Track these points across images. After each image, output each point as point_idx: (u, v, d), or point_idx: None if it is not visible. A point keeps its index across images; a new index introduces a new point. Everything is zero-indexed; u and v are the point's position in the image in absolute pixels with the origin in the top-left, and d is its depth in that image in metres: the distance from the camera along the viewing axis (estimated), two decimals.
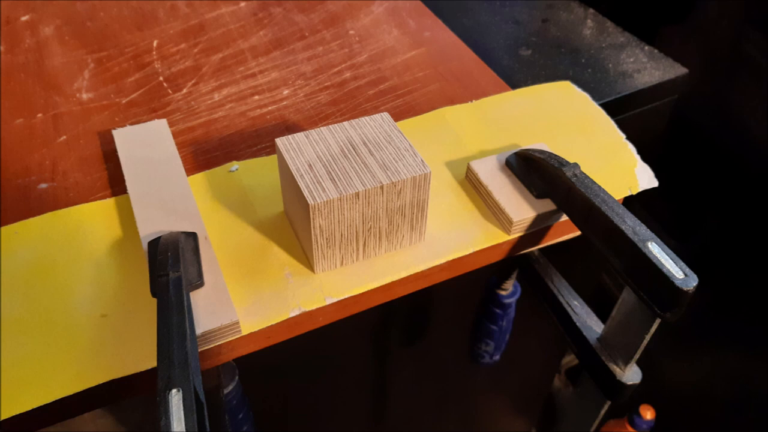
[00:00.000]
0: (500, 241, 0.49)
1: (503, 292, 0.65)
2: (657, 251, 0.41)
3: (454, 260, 0.47)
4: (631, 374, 0.48)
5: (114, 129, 0.55)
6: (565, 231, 0.53)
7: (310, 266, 0.45)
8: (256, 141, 0.57)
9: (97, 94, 0.62)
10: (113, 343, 0.41)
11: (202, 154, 0.56)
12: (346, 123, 0.47)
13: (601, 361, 0.49)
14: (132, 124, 0.59)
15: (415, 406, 0.87)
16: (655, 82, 0.71)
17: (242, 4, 0.75)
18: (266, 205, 0.50)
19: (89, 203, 0.50)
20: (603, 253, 0.44)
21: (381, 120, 0.47)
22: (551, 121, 0.59)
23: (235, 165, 0.53)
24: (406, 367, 0.80)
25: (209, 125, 0.59)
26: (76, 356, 0.40)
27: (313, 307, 0.43)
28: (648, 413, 0.99)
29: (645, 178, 0.54)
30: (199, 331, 0.40)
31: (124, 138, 0.54)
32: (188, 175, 0.52)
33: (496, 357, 0.71)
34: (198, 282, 0.42)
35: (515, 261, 0.60)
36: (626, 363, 0.48)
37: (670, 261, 0.40)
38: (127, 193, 0.50)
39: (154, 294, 0.40)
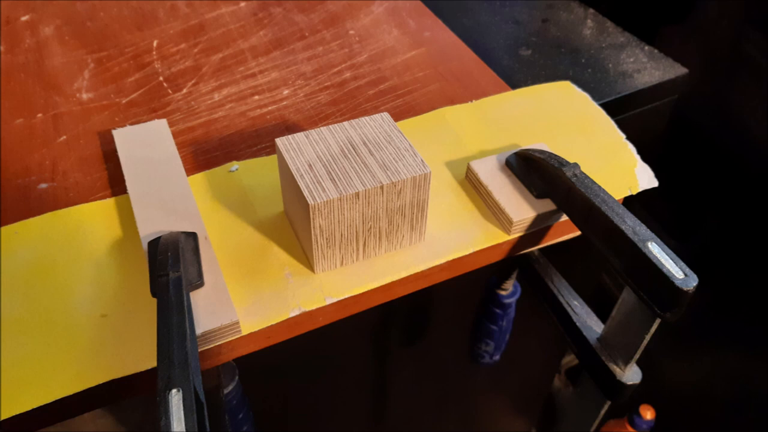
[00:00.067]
0: (500, 241, 0.49)
1: (503, 292, 0.65)
2: (657, 251, 0.41)
3: (454, 260, 0.47)
4: (631, 374, 0.48)
5: (114, 129, 0.55)
6: (565, 231, 0.53)
7: (310, 266, 0.45)
8: (256, 141, 0.57)
9: (97, 94, 0.62)
10: (113, 343, 0.41)
11: (202, 154, 0.56)
12: (346, 123, 0.47)
13: (601, 361, 0.49)
14: (132, 124, 0.59)
15: (415, 406, 0.87)
16: (655, 82, 0.71)
17: (242, 4, 0.75)
18: (266, 205, 0.50)
19: (89, 203, 0.50)
20: (603, 253, 0.44)
21: (381, 120, 0.47)
22: (551, 121, 0.59)
23: (235, 165, 0.53)
24: (406, 367, 0.80)
25: (209, 125, 0.59)
26: (76, 356, 0.40)
27: (313, 307, 0.43)
28: (648, 413, 0.99)
29: (645, 178, 0.54)
30: (199, 331, 0.40)
31: (124, 138, 0.54)
32: (188, 175, 0.52)
33: (496, 357, 0.71)
34: (198, 282, 0.42)
35: (515, 261, 0.60)
36: (626, 363, 0.48)
37: (670, 261, 0.40)
38: (127, 193, 0.50)
39: (154, 294, 0.40)
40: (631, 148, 0.57)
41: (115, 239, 0.48)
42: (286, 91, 0.63)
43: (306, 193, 0.41)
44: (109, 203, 0.50)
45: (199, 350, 0.41)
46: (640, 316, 0.44)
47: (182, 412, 0.32)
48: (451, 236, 0.48)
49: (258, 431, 0.59)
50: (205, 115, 0.60)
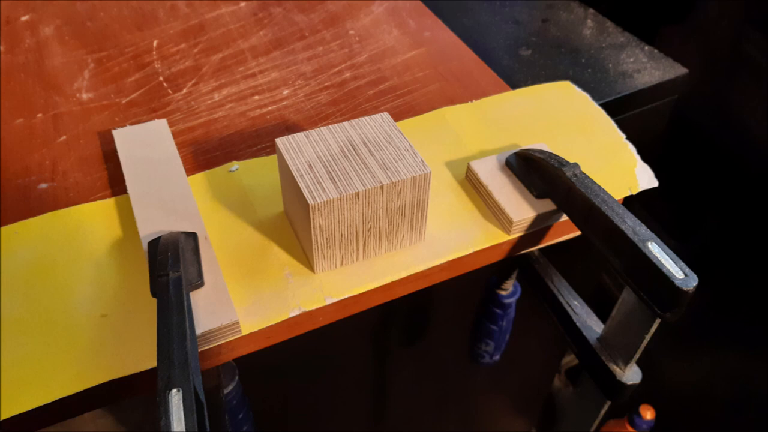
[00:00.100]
0: (500, 241, 0.49)
1: (503, 292, 0.65)
2: (657, 251, 0.41)
3: (454, 260, 0.47)
4: (631, 374, 0.48)
5: (114, 129, 0.55)
6: (565, 231, 0.53)
7: (310, 266, 0.45)
8: (256, 141, 0.57)
9: (97, 94, 0.62)
10: (113, 343, 0.41)
11: (202, 154, 0.56)
12: (346, 123, 0.47)
13: (601, 361, 0.49)
14: (132, 124, 0.59)
15: (415, 406, 0.87)
16: (655, 82, 0.71)
17: (242, 4, 0.75)
18: (266, 205, 0.50)
19: (89, 203, 0.50)
20: (603, 253, 0.44)
21: (381, 120, 0.47)
22: (551, 121, 0.59)
23: (235, 165, 0.53)
24: (406, 367, 0.80)
25: (209, 125, 0.59)
26: (76, 356, 0.40)
27: (313, 307, 0.43)
28: (648, 413, 0.99)
29: (645, 178, 0.54)
30: (199, 331, 0.40)
31: (124, 138, 0.54)
32: (188, 175, 0.52)
33: (496, 357, 0.71)
34: (198, 282, 0.42)
35: (515, 261, 0.60)
36: (626, 363, 0.48)
37: (670, 261, 0.40)
38: (127, 193, 0.50)
39: (154, 294, 0.40)
40: (631, 148, 0.57)
41: (115, 239, 0.48)
42: (286, 91, 0.63)
43: (306, 193, 0.41)
44: (109, 203, 0.50)
45: (199, 350, 0.41)
46: (640, 316, 0.44)
47: (182, 412, 0.32)
48: (451, 236, 0.48)
49: (258, 431, 0.59)
50: (205, 115, 0.60)
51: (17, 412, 0.37)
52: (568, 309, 0.53)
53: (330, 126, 0.46)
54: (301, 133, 0.45)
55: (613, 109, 0.65)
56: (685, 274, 0.39)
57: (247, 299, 0.43)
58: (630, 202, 0.54)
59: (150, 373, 0.40)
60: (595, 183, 0.46)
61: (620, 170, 0.55)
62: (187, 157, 0.55)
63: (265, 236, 0.48)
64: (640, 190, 0.53)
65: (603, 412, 0.55)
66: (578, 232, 0.53)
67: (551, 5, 0.83)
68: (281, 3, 0.75)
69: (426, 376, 0.83)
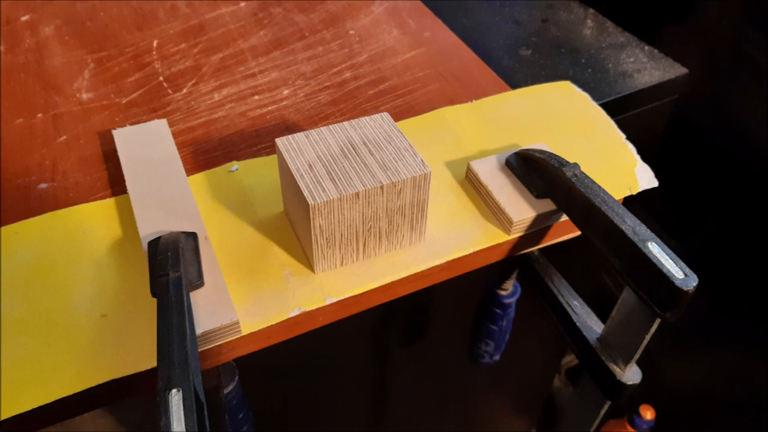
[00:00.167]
0: (500, 241, 0.49)
1: (503, 292, 0.65)
2: (657, 251, 0.41)
3: (454, 260, 0.47)
4: (631, 374, 0.48)
5: (114, 129, 0.55)
6: (565, 231, 0.53)
7: (310, 266, 0.45)
8: (256, 141, 0.57)
9: (97, 94, 0.62)
10: (113, 343, 0.41)
11: (202, 154, 0.56)
12: (346, 123, 0.47)
13: (601, 361, 0.49)
14: (132, 124, 0.59)
15: (415, 406, 0.87)
16: (655, 82, 0.71)
17: (242, 4, 0.75)
18: (266, 205, 0.50)
19: (89, 203, 0.50)
20: (603, 253, 0.44)
21: (381, 120, 0.47)
22: (551, 121, 0.59)
23: (235, 165, 0.53)
24: (406, 367, 0.80)
25: (209, 125, 0.59)
26: (76, 356, 0.40)
27: (313, 307, 0.43)
28: (648, 413, 0.99)
29: (645, 178, 0.54)
30: (199, 331, 0.40)
31: (124, 138, 0.54)
32: (188, 175, 0.52)
33: (496, 357, 0.71)
34: (198, 282, 0.42)
35: (515, 261, 0.60)
36: (626, 363, 0.48)
37: (670, 261, 0.40)
38: (127, 193, 0.50)
39: (154, 294, 0.40)
40: (631, 148, 0.57)
41: (115, 239, 0.48)
42: (286, 91, 0.63)
43: (306, 193, 0.41)
44: (109, 203, 0.50)
45: (199, 350, 0.41)
46: (640, 316, 0.44)
47: (182, 412, 0.32)
48: (451, 236, 0.48)
49: (258, 431, 0.59)
50: (205, 115, 0.60)
51: (17, 412, 0.37)
52: (568, 309, 0.53)
53: (330, 126, 0.46)
54: (301, 133, 0.45)
55: (613, 109, 0.65)
56: (685, 274, 0.39)
57: (247, 299, 0.43)
58: (630, 202, 0.54)
59: (150, 373, 0.40)
60: (595, 183, 0.46)
61: (620, 170, 0.55)
62: (187, 157, 0.55)
63: (265, 236, 0.48)
64: (640, 190, 0.53)
65: (603, 412, 0.55)
66: (578, 232, 0.53)
67: (551, 5, 0.83)
68: (281, 3, 0.75)
69: (426, 376, 0.83)
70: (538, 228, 0.50)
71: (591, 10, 0.82)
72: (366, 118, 0.47)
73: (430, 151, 0.55)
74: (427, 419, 0.91)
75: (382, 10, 0.74)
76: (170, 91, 0.63)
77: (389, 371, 0.79)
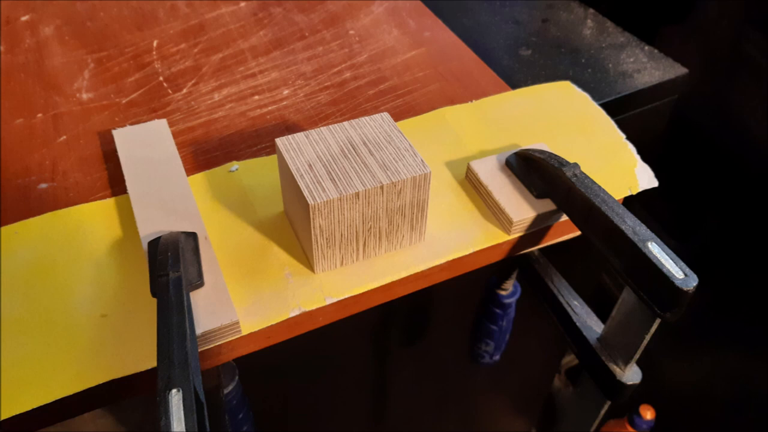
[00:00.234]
0: (500, 241, 0.49)
1: (503, 292, 0.65)
2: (657, 251, 0.41)
3: (454, 260, 0.47)
4: (631, 374, 0.48)
5: (114, 129, 0.55)
6: (565, 231, 0.53)
7: (310, 266, 0.45)
8: (256, 141, 0.57)
9: (97, 94, 0.62)
10: (113, 343, 0.41)
11: (202, 154, 0.56)
12: (346, 123, 0.47)
13: (601, 361, 0.49)
14: (132, 124, 0.59)
15: (415, 406, 0.87)
16: (655, 82, 0.71)
17: (242, 4, 0.75)
18: (266, 205, 0.50)
19: (89, 203, 0.50)
20: (603, 253, 0.44)
21: (381, 120, 0.47)
22: (551, 121, 0.59)
23: (235, 165, 0.53)
24: (406, 367, 0.80)
25: (209, 125, 0.59)
26: (76, 356, 0.40)
27: (313, 307, 0.43)
28: (648, 413, 0.99)
29: (645, 178, 0.54)
30: (199, 331, 0.40)
31: (124, 138, 0.54)
32: (188, 175, 0.52)
33: (496, 357, 0.71)
34: (198, 282, 0.42)
35: (515, 261, 0.60)
36: (626, 363, 0.48)
37: (670, 261, 0.40)
38: (127, 193, 0.50)
39: (154, 294, 0.40)
40: (631, 148, 0.57)
41: (115, 239, 0.48)
42: (286, 91, 0.63)
43: (306, 193, 0.41)
44: (109, 203, 0.50)
45: (199, 350, 0.41)
46: (640, 316, 0.44)
47: (182, 412, 0.32)
48: (451, 236, 0.48)
49: (258, 431, 0.59)
50: (205, 115, 0.60)
51: (17, 412, 0.37)
52: (568, 309, 0.53)
53: (330, 126, 0.46)
54: (301, 133, 0.45)
55: (613, 109, 0.65)
56: (685, 274, 0.39)
57: (247, 299, 0.43)
58: (630, 202, 0.54)
59: (150, 373, 0.40)
60: (595, 183, 0.46)
61: (620, 170, 0.55)
62: (187, 157, 0.55)
63: (265, 236, 0.48)
64: (640, 190, 0.53)
65: (603, 412, 0.55)
66: (578, 232, 0.53)
67: (551, 5, 0.83)
68: (281, 3, 0.75)
69: (426, 376, 0.83)
70: (538, 228, 0.50)
71: (591, 10, 0.82)
72: (366, 118, 0.47)
73: (430, 151, 0.55)
74: (427, 419, 0.91)
75: (382, 10, 0.74)
76: (170, 91, 0.63)
77: (389, 371, 0.79)
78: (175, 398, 0.33)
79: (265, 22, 0.72)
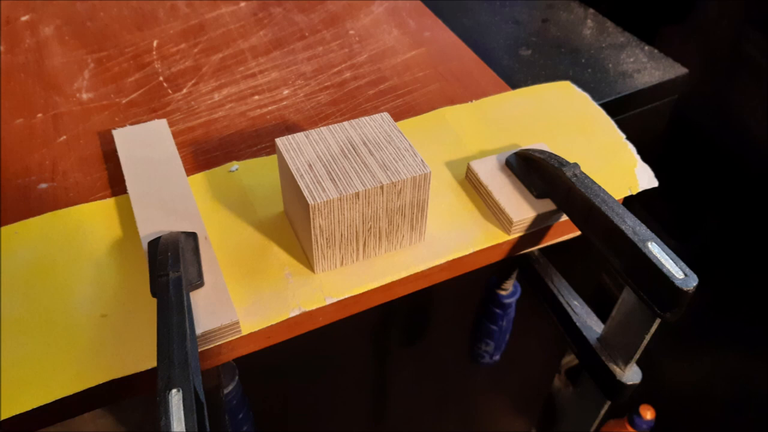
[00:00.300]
0: (500, 241, 0.49)
1: (503, 292, 0.65)
2: (657, 251, 0.41)
3: (454, 260, 0.47)
4: (631, 374, 0.48)
5: (114, 129, 0.55)
6: (565, 231, 0.53)
7: (310, 266, 0.45)
8: (256, 141, 0.57)
9: (97, 94, 0.62)
10: (113, 343, 0.41)
11: (202, 154, 0.56)
12: (346, 123, 0.47)
13: (601, 361, 0.49)
14: (132, 124, 0.59)
15: (415, 406, 0.87)
16: (655, 82, 0.71)
17: (242, 4, 0.75)
18: (266, 205, 0.50)
19: (89, 203, 0.50)
20: (603, 253, 0.44)
21: (381, 120, 0.47)
22: (551, 121, 0.59)
23: (235, 165, 0.53)
24: (406, 367, 0.80)
25: (209, 125, 0.59)
26: (76, 356, 0.40)
27: (313, 307, 0.43)
28: (648, 413, 0.99)
29: (645, 178, 0.54)
30: (199, 331, 0.40)
31: (124, 138, 0.54)
32: (188, 175, 0.52)
33: (496, 357, 0.71)
34: (198, 282, 0.42)
35: (515, 261, 0.60)
36: (626, 363, 0.48)
37: (670, 261, 0.40)
38: (127, 193, 0.50)
39: (154, 294, 0.40)
40: (631, 148, 0.57)
41: (115, 239, 0.48)
42: (286, 91, 0.63)
43: (306, 193, 0.41)
44: (109, 203, 0.50)
45: (199, 350, 0.41)
46: (640, 316, 0.44)
47: (182, 412, 0.32)
48: (451, 236, 0.48)
49: (258, 431, 0.59)
50: (205, 115, 0.60)
51: (17, 412, 0.37)
52: (568, 309, 0.53)
53: (330, 126, 0.46)
54: (301, 133, 0.45)
55: (613, 109, 0.65)
56: (685, 274, 0.39)
57: (247, 299, 0.43)
58: (630, 202, 0.54)
59: (150, 373, 0.40)
60: (595, 183, 0.46)
61: (620, 170, 0.55)
62: (187, 157, 0.55)
63: (265, 236, 0.48)
64: (640, 190, 0.53)
65: (603, 412, 0.55)
66: (578, 232, 0.53)
67: (551, 5, 0.83)
68: (281, 3, 0.75)
69: (426, 376, 0.83)
70: (538, 228, 0.50)
71: (591, 10, 0.82)
72: (366, 118, 0.47)
73: (430, 151, 0.55)
74: (427, 419, 0.91)
75: (382, 10, 0.74)
76: (170, 91, 0.63)
77: (389, 371, 0.79)
78: (175, 398, 0.33)
79: (265, 22, 0.72)
